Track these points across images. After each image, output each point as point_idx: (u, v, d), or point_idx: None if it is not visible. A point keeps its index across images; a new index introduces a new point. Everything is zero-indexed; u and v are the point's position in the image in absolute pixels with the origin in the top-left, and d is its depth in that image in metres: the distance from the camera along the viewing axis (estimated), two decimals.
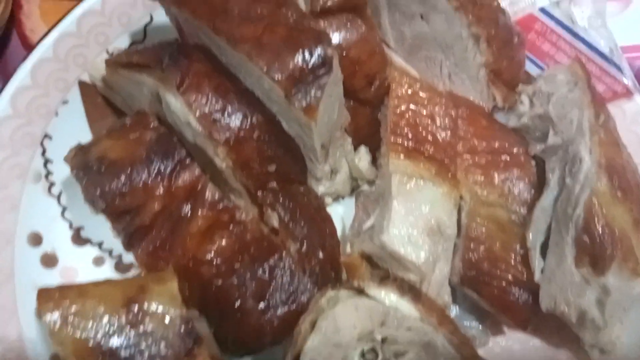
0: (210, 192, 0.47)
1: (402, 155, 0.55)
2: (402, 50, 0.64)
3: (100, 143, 0.50)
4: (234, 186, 0.54)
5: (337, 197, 0.64)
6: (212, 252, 0.47)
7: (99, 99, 0.63)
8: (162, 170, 0.46)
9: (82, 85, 0.61)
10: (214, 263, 0.47)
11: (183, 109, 0.50)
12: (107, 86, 0.61)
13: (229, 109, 0.50)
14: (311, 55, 0.47)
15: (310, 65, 0.47)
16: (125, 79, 0.56)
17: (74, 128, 0.60)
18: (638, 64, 0.83)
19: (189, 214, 0.47)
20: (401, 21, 0.62)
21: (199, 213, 0.46)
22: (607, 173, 0.53)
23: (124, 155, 0.48)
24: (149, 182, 0.46)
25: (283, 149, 0.54)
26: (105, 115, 0.63)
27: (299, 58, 0.47)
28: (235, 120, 0.50)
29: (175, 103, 0.51)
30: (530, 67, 0.65)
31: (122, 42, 0.63)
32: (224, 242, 0.47)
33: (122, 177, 0.46)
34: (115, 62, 0.56)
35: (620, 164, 0.54)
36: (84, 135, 0.60)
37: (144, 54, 0.51)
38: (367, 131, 0.62)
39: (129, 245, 0.48)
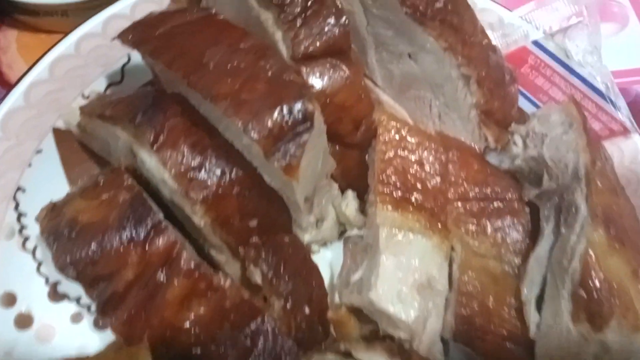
0: (186, 259, 0.45)
1: (390, 206, 0.52)
2: (391, 89, 0.62)
3: (72, 202, 0.48)
4: (214, 242, 0.52)
5: (324, 242, 0.62)
6: (190, 320, 0.45)
7: (75, 145, 0.60)
8: (136, 237, 0.44)
9: (57, 131, 0.59)
10: (193, 332, 0.45)
11: (158, 167, 0.48)
12: (83, 131, 0.59)
13: (207, 165, 0.48)
14: (291, 111, 0.45)
15: (290, 122, 0.45)
16: (100, 128, 0.54)
17: (49, 178, 0.57)
18: (635, 89, 0.82)
19: (164, 282, 0.44)
20: (389, 60, 0.60)
21: (175, 281, 0.44)
22: (604, 223, 0.50)
23: (96, 218, 0.45)
24: (122, 249, 0.44)
25: (265, 201, 0.52)
26: (82, 160, 0.60)
27: (278, 115, 0.44)
28: (213, 177, 0.48)
29: (149, 161, 0.48)
30: (523, 103, 0.63)
31: (99, 85, 0.61)
32: (202, 310, 0.45)
33: (94, 244, 0.44)
34: (90, 112, 0.53)
35: (617, 212, 0.52)
36: (60, 186, 0.58)
37: (117, 107, 0.49)
38: (355, 174, 0.60)
39: (102, 313, 0.45)
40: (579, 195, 0.53)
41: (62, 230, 0.45)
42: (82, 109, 0.55)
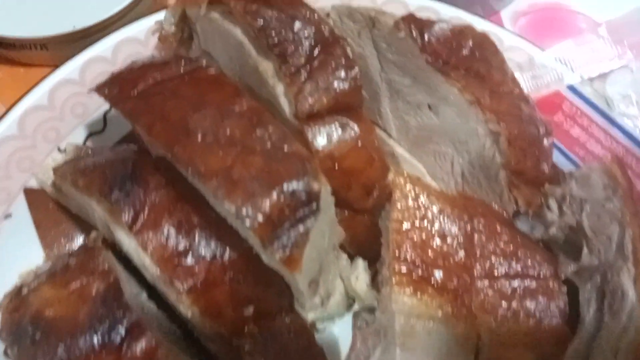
0: None
1: (408, 289, 0.45)
2: (406, 141, 0.55)
3: (39, 290, 0.41)
4: (204, 332, 0.45)
5: (331, 318, 0.55)
6: None
7: (50, 205, 0.53)
8: (109, 341, 0.37)
9: (29, 192, 0.52)
10: None
11: (137, 251, 0.41)
12: (58, 191, 0.52)
13: (195, 248, 0.41)
14: (293, 192, 0.38)
15: (292, 206, 0.37)
16: (75, 193, 0.47)
17: (21, 245, 0.51)
18: None
19: None
20: (405, 110, 0.52)
21: None
22: None
23: (64, 315, 0.38)
24: (93, 356, 0.37)
25: (263, 285, 0.45)
26: (58, 221, 0.53)
27: (277, 197, 0.37)
28: (202, 263, 0.41)
29: (128, 242, 0.41)
30: (557, 157, 0.55)
31: (78, 136, 0.54)
32: None
33: (61, 349, 0.37)
34: (62, 175, 0.47)
35: None
36: (33, 253, 0.51)
37: (91, 176, 0.42)
38: (365, 239, 0.52)
39: None
40: (626, 277, 0.46)
41: (25, 328, 0.38)
42: (55, 171, 0.48)
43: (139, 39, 0.53)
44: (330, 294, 0.50)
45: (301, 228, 0.38)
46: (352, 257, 0.54)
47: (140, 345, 0.38)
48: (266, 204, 0.37)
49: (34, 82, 0.56)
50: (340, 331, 0.54)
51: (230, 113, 0.40)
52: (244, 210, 0.37)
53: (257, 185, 0.38)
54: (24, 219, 0.51)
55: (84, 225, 0.53)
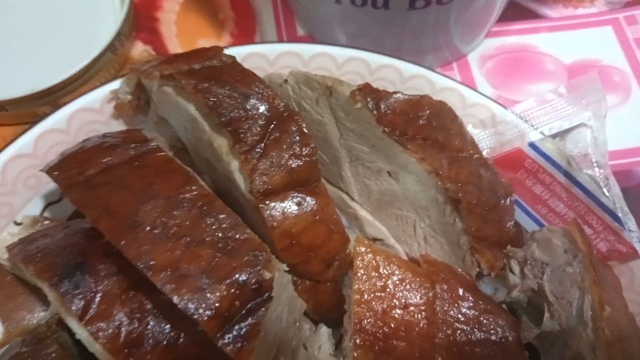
0: None
1: None
2: (369, 204, 0.54)
3: None
4: None
5: None
6: None
7: (8, 277, 0.52)
8: None
9: None
10: None
11: (89, 340, 0.40)
12: (14, 266, 0.51)
13: (147, 337, 0.40)
14: (244, 284, 0.37)
15: (242, 298, 0.37)
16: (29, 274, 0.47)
17: None
18: (639, 171, 0.74)
19: None
20: (366, 175, 0.52)
21: None
22: None
23: None
24: None
25: None
26: (14, 294, 0.52)
27: (227, 290, 0.37)
28: (155, 350, 0.40)
29: (80, 331, 0.40)
30: (519, 216, 0.56)
31: (34, 208, 0.53)
32: None
33: None
34: (15, 258, 0.46)
35: None
36: None
37: (40, 265, 0.41)
38: (329, 305, 0.52)
39: None
40: (585, 347, 0.45)
41: None
42: (9, 250, 0.47)
43: (94, 108, 0.52)
44: None
45: (251, 320, 0.37)
46: (316, 323, 0.54)
47: None
48: (215, 298, 0.37)
49: None
50: None
51: (180, 202, 0.39)
52: (191, 306, 0.36)
53: (206, 279, 0.37)
54: None
55: (42, 297, 0.53)
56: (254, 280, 0.37)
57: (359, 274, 0.49)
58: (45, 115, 0.51)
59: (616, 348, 0.45)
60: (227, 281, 0.37)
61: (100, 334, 0.40)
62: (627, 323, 0.49)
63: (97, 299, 0.40)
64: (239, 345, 0.37)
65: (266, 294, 0.38)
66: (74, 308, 0.39)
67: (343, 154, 0.52)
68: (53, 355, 0.41)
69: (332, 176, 0.55)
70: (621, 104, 0.76)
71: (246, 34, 0.79)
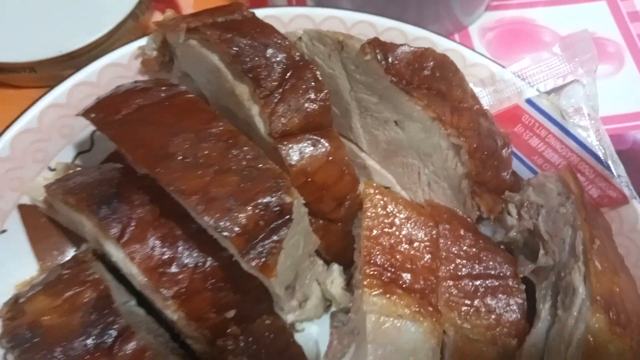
0: None
1: (377, 290, 0.49)
2: (376, 154, 0.59)
3: (35, 300, 0.44)
4: (190, 334, 0.49)
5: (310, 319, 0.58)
6: None
7: (42, 219, 0.56)
8: (102, 344, 0.41)
9: (22, 207, 0.55)
10: None
11: (125, 261, 0.44)
12: (49, 207, 0.55)
13: (178, 259, 0.44)
14: (267, 206, 0.41)
15: (266, 218, 0.41)
16: (66, 209, 0.51)
17: (16, 257, 0.54)
18: (633, 135, 0.79)
19: None
20: (374, 125, 0.56)
21: None
22: (603, 307, 0.47)
23: (59, 322, 0.42)
24: (88, 357, 0.40)
25: (242, 291, 0.48)
26: (49, 235, 0.57)
27: (252, 211, 0.41)
28: (185, 271, 0.44)
29: (116, 254, 0.45)
30: (517, 166, 0.59)
31: (66, 155, 0.57)
32: None
33: (57, 352, 0.40)
34: (53, 193, 0.50)
35: (618, 293, 0.49)
36: (27, 264, 0.54)
37: (80, 197, 0.45)
38: (340, 246, 0.56)
39: None
40: (577, 276, 0.50)
41: (23, 335, 0.42)
42: (47, 189, 0.51)
43: (122, 64, 0.57)
44: (308, 298, 0.54)
45: (275, 238, 0.41)
46: (328, 263, 0.58)
47: (130, 347, 0.41)
48: (242, 218, 0.41)
49: (22, 103, 0.58)
50: (318, 331, 0.57)
51: (207, 136, 0.44)
52: (221, 224, 0.41)
53: (233, 201, 0.41)
54: (17, 233, 0.54)
55: (75, 237, 0.57)
56: (276, 203, 0.42)
57: (368, 213, 0.53)
58: (77, 70, 0.55)
59: (606, 278, 0.49)
60: (252, 203, 0.41)
61: (135, 255, 0.44)
62: (615, 260, 0.53)
63: (133, 224, 0.44)
64: (264, 260, 0.41)
65: (287, 216, 0.42)
66: (112, 231, 0.44)
67: (353, 106, 0.56)
68: (91, 277, 0.45)
69: (342, 128, 0.59)
70: (614, 73, 0.80)
71: (259, 4, 0.83)
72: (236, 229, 0.41)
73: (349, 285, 0.56)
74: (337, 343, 0.55)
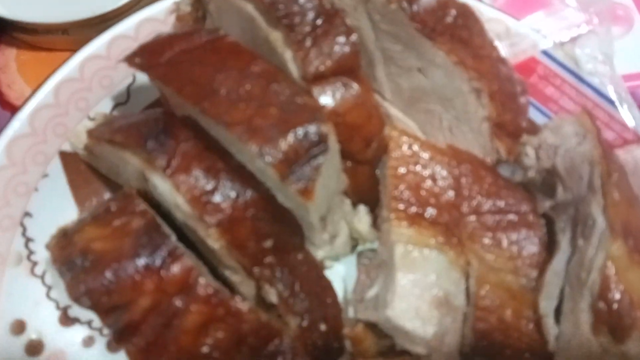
0: (204, 285, 0.44)
1: (404, 223, 0.52)
2: (400, 102, 0.61)
3: (83, 230, 0.47)
4: (229, 264, 0.51)
5: (337, 258, 0.61)
6: (209, 345, 0.44)
7: (82, 167, 0.59)
8: (151, 264, 0.43)
9: (64, 154, 0.58)
10: (212, 357, 0.45)
11: (171, 192, 0.47)
12: (90, 153, 0.58)
13: (220, 189, 0.47)
14: (306, 135, 0.44)
15: (305, 146, 0.44)
16: (109, 152, 0.53)
17: (57, 201, 0.57)
18: None
19: (181, 309, 0.44)
20: (397, 74, 0.59)
21: (192, 308, 0.43)
22: (622, 235, 0.50)
23: (110, 247, 0.44)
24: (137, 277, 0.43)
25: (279, 222, 0.51)
26: (89, 181, 0.60)
27: (292, 139, 0.44)
28: (227, 201, 0.47)
29: (162, 185, 0.47)
30: (533, 113, 0.62)
31: (104, 106, 0.60)
32: (220, 335, 0.44)
33: (109, 274, 0.43)
34: (98, 136, 0.53)
35: (635, 223, 0.52)
36: (68, 208, 0.58)
37: (127, 134, 0.48)
38: (366, 188, 0.59)
39: (119, 340, 0.45)
40: (596, 208, 0.52)
41: (74, 260, 0.44)
42: (90, 133, 0.54)
43: (158, 19, 0.60)
44: (337, 235, 0.57)
45: (313, 164, 0.44)
46: (355, 205, 0.61)
47: (178, 267, 0.44)
48: (283, 145, 0.44)
49: (56, 65, 0.61)
50: (345, 271, 0.60)
51: (249, 74, 0.47)
52: (265, 150, 0.44)
53: (275, 131, 0.44)
54: (59, 179, 0.57)
55: (113, 185, 0.60)
56: (314, 132, 0.44)
57: (394, 154, 0.56)
58: (115, 24, 0.58)
59: (623, 209, 0.52)
60: (292, 132, 0.44)
61: (181, 185, 0.47)
62: (631, 196, 0.56)
63: (178, 156, 0.47)
64: (304, 184, 0.44)
65: (324, 144, 0.44)
66: (159, 162, 0.46)
67: (377, 56, 0.59)
68: (139, 208, 0.47)
69: (366, 78, 0.62)
70: (625, 34, 0.83)
71: None
72: (278, 155, 0.43)
73: (375, 224, 0.59)
74: (365, 278, 0.58)
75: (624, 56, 0.83)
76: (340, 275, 0.60)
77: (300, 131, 0.44)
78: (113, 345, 0.56)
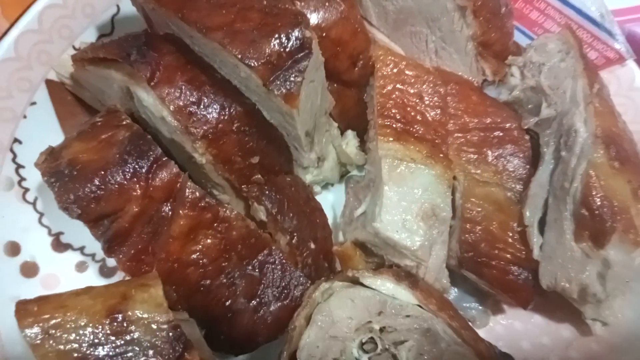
0: (191, 190, 0.44)
1: (391, 138, 0.52)
2: (385, 26, 0.61)
3: (70, 146, 0.47)
4: (217, 181, 0.52)
5: (326, 185, 0.62)
6: (197, 252, 0.45)
7: (68, 97, 0.59)
8: (138, 171, 0.44)
9: (50, 83, 0.58)
10: (200, 264, 0.45)
11: (156, 104, 0.47)
12: (75, 83, 0.58)
13: (205, 101, 0.47)
14: (288, 39, 0.44)
15: (288, 50, 0.44)
16: (94, 75, 0.53)
17: (46, 130, 0.57)
18: (628, 27, 0.81)
19: (169, 215, 0.44)
20: None
21: (180, 213, 0.44)
22: (603, 143, 0.51)
23: (96, 157, 0.45)
24: (125, 184, 0.44)
25: (265, 139, 0.51)
26: (75, 112, 0.60)
27: (275, 43, 0.44)
28: (212, 113, 0.47)
29: (147, 98, 0.48)
30: (519, 38, 0.62)
31: (89, 36, 0.59)
32: (209, 242, 0.45)
33: (96, 181, 0.43)
34: (82, 58, 0.52)
35: (617, 133, 0.52)
36: (57, 137, 0.57)
37: (110, 48, 0.48)
38: (354, 114, 0.60)
39: (109, 250, 0.45)
40: (578, 118, 0.53)
41: (62, 170, 0.45)
42: (74, 57, 0.53)
43: None
44: (325, 158, 0.57)
45: (298, 68, 0.44)
46: (342, 132, 0.61)
47: (164, 173, 0.44)
48: (266, 49, 0.44)
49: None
50: (334, 199, 0.62)
51: None
52: (247, 54, 0.44)
53: (257, 35, 0.44)
54: (47, 107, 0.57)
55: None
56: (297, 36, 0.44)
57: (380, 73, 0.56)
58: None
59: (605, 118, 0.52)
60: (275, 35, 0.44)
61: (166, 96, 0.47)
62: (613, 109, 0.56)
63: (162, 68, 0.47)
64: (287, 88, 0.44)
65: (307, 49, 0.44)
66: (143, 74, 0.46)
67: None
68: (124, 121, 0.48)
69: None
70: None
71: None
72: (261, 59, 0.44)
73: (364, 149, 0.60)
74: (354, 200, 0.58)
75: None
76: (329, 202, 0.61)
77: (283, 35, 0.44)
78: (105, 270, 0.57)
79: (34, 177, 0.56)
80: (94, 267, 0.56)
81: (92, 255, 0.56)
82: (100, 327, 0.39)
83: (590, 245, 0.49)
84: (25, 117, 0.56)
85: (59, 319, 0.39)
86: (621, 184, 0.51)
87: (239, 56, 0.44)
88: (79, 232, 0.54)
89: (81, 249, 0.56)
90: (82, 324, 0.39)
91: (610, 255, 0.49)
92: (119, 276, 0.56)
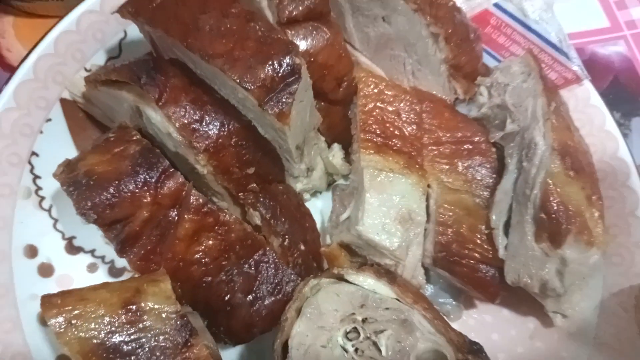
0: (195, 198, 0.50)
1: (372, 151, 0.59)
2: (368, 50, 0.68)
3: (86, 158, 0.53)
4: (216, 190, 0.58)
5: (314, 193, 0.68)
6: (200, 252, 0.51)
7: (80, 114, 0.66)
8: (148, 181, 0.50)
9: (64, 102, 0.64)
10: (203, 262, 0.51)
11: (163, 122, 0.53)
12: (87, 101, 0.64)
13: (207, 118, 0.53)
14: (280, 65, 0.51)
15: (280, 75, 0.50)
16: (105, 95, 0.59)
17: (60, 144, 0.63)
18: (590, 48, 0.89)
19: (175, 219, 0.50)
20: (365, 23, 0.66)
21: (185, 217, 0.50)
22: (560, 155, 0.57)
23: (111, 168, 0.51)
24: (137, 192, 0.49)
25: (261, 152, 0.57)
26: (86, 128, 0.66)
27: (269, 69, 0.50)
28: (213, 129, 0.54)
29: (155, 116, 0.54)
30: (487, 60, 0.69)
31: (98, 58, 0.66)
32: (210, 243, 0.51)
33: (111, 190, 0.49)
34: (95, 79, 0.58)
35: (572, 146, 0.59)
36: (70, 150, 0.64)
37: (122, 72, 0.54)
38: (340, 129, 0.66)
39: (121, 252, 0.51)
40: (538, 133, 0.60)
41: (80, 180, 0.50)
42: (87, 78, 0.59)
43: None
44: (314, 168, 0.64)
45: (289, 90, 0.50)
46: (329, 145, 0.67)
47: (172, 182, 0.50)
48: (261, 74, 0.50)
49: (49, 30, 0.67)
50: (322, 205, 0.68)
51: (229, 14, 0.53)
52: (245, 78, 0.50)
53: (253, 61, 0.51)
54: (61, 123, 0.63)
55: (107, 130, 0.65)
56: (288, 62, 0.51)
57: (362, 92, 0.63)
58: None
59: (561, 133, 0.59)
60: (269, 62, 0.50)
61: (172, 115, 0.53)
62: (570, 125, 0.63)
63: (168, 90, 0.53)
64: (280, 108, 0.50)
65: (297, 74, 0.51)
66: (152, 95, 0.52)
67: (346, 8, 0.66)
68: (135, 137, 0.53)
69: (336, 24, 0.68)
70: None
71: None
72: (257, 82, 0.50)
73: (349, 160, 0.66)
74: (339, 205, 0.65)
75: (571, 16, 0.90)
76: (318, 208, 0.68)
77: (276, 62, 0.51)
78: (114, 270, 0.63)
79: (49, 187, 0.62)
80: (103, 268, 0.61)
81: (102, 257, 0.61)
82: (116, 317, 0.44)
83: (548, 245, 0.56)
84: (41, 132, 0.62)
85: (80, 310, 0.45)
86: (576, 191, 0.58)
87: (238, 80, 0.50)
88: (89, 237, 0.61)
89: (92, 252, 0.61)
90: (101, 314, 0.44)
91: (566, 254, 0.56)
92: (126, 276, 0.61)
